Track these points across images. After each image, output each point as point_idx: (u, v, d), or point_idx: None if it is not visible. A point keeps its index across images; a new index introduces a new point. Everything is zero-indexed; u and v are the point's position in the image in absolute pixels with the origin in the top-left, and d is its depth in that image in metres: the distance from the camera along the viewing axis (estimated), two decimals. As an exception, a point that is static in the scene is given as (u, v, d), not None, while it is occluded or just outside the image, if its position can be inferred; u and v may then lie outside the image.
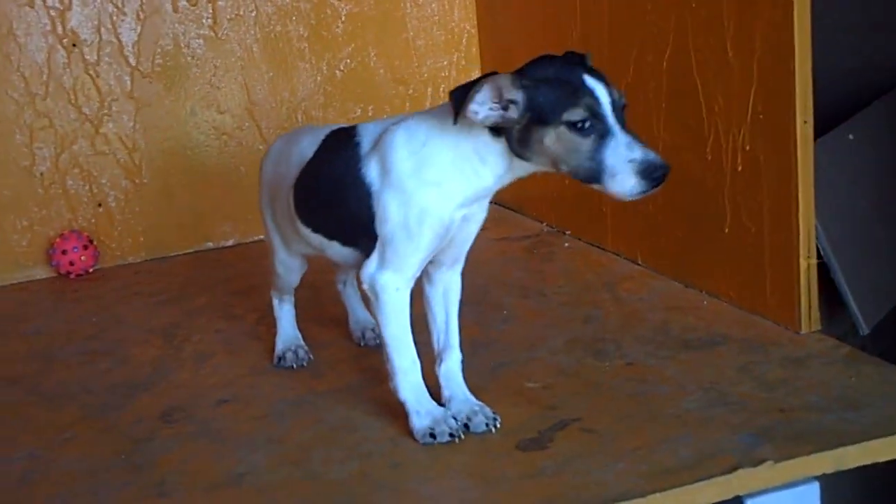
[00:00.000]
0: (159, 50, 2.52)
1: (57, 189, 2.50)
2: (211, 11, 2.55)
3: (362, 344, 1.89)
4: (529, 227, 2.51)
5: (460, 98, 1.39)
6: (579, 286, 2.11)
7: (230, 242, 2.62)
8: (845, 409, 1.51)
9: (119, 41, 2.49)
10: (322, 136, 1.66)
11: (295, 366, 1.83)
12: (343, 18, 2.65)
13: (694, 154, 1.96)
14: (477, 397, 1.57)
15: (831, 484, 1.45)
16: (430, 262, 1.56)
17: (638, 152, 1.37)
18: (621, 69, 2.08)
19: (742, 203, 1.86)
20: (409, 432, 1.52)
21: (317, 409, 1.67)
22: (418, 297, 1.59)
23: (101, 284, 2.42)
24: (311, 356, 1.85)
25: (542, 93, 1.40)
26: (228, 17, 2.56)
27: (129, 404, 1.76)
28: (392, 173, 1.49)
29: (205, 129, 2.58)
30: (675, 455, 1.42)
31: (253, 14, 2.58)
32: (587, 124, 1.38)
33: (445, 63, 2.73)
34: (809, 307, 1.76)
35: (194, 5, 2.53)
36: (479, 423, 1.52)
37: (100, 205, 2.53)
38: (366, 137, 1.56)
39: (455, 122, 1.41)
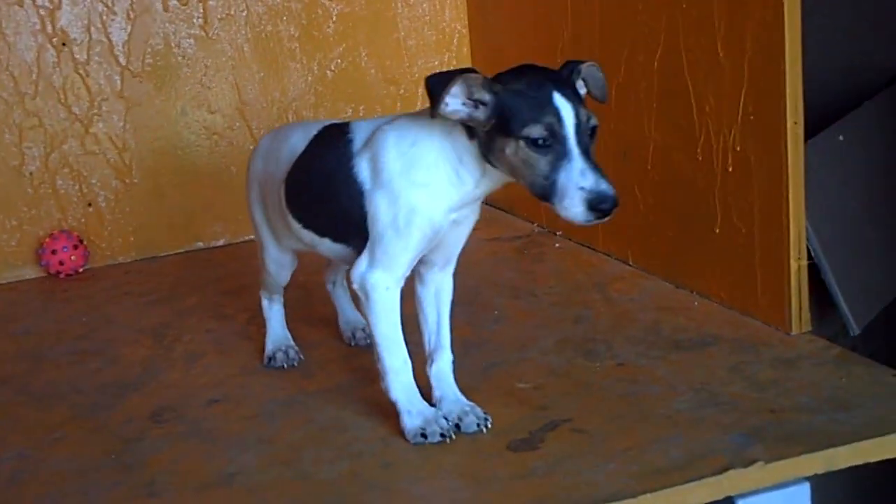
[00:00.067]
0: (150, 49, 2.52)
1: (47, 189, 2.49)
2: (202, 11, 2.54)
3: (352, 344, 1.89)
4: (520, 228, 2.51)
5: (436, 88, 1.39)
6: (570, 287, 2.11)
7: (221, 242, 2.62)
8: (836, 410, 1.51)
9: (109, 40, 2.49)
10: (314, 131, 1.66)
11: (285, 366, 1.83)
12: (334, 18, 2.65)
13: (685, 154, 1.96)
14: (468, 397, 1.57)
15: (822, 485, 1.45)
16: (422, 263, 1.56)
17: (589, 181, 1.36)
18: (612, 69, 2.08)
19: (733, 204, 1.86)
20: (400, 432, 1.52)
21: (307, 408, 1.67)
22: (410, 298, 1.59)
23: (91, 284, 2.42)
24: (302, 356, 1.85)
25: (510, 102, 1.40)
26: (219, 16, 2.56)
27: (120, 404, 1.75)
28: (382, 173, 1.49)
29: (195, 129, 2.58)
30: (666, 455, 1.42)
31: (244, 14, 2.58)
32: (545, 143, 1.38)
33: (436, 63, 2.72)
34: (800, 308, 1.76)
35: (185, 5, 2.52)
36: (470, 423, 1.52)
37: (90, 204, 2.53)
38: (358, 135, 1.56)
39: (432, 115, 1.41)
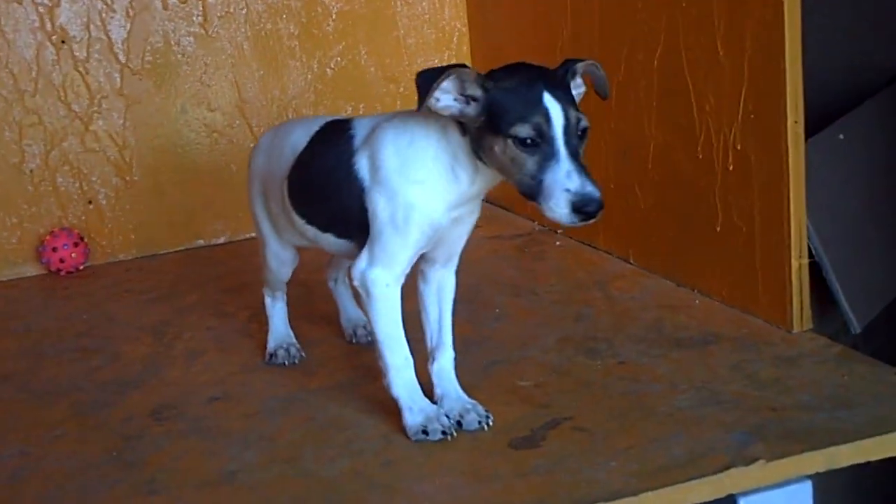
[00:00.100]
0: (149, 47, 2.52)
1: (47, 186, 2.49)
2: (201, 9, 2.54)
3: (353, 341, 1.89)
4: (521, 226, 2.51)
5: (426, 83, 1.40)
6: (571, 285, 2.11)
7: (221, 240, 2.62)
8: (837, 408, 1.51)
9: (108, 38, 2.49)
10: (316, 128, 1.66)
11: (286, 363, 1.82)
12: (334, 16, 2.65)
13: (685, 153, 1.96)
14: (469, 395, 1.57)
15: (823, 483, 1.45)
16: (425, 261, 1.57)
17: (575, 183, 1.35)
18: (612, 68, 2.08)
19: (733, 202, 1.86)
20: (402, 429, 1.52)
21: (308, 406, 1.67)
22: (412, 295, 1.59)
23: (91, 282, 2.41)
24: (303, 354, 1.84)
25: (500, 100, 1.40)
26: (219, 14, 2.56)
27: (120, 402, 1.75)
28: (381, 170, 1.50)
29: (195, 127, 2.58)
30: (668, 454, 1.42)
31: (243, 12, 2.58)
32: (533, 142, 1.37)
33: (436, 61, 2.72)
34: (801, 306, 1.76)
35: (184, 2, 2.52)
36: (471, 420, 1.52)
37: (90, 202, 2.52)
38: (360, 132, 1.57)
39: (419, 108, 1.41)
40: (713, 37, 1.84)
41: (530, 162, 1.38)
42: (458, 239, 1.57)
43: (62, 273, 2.46)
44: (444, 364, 1.58)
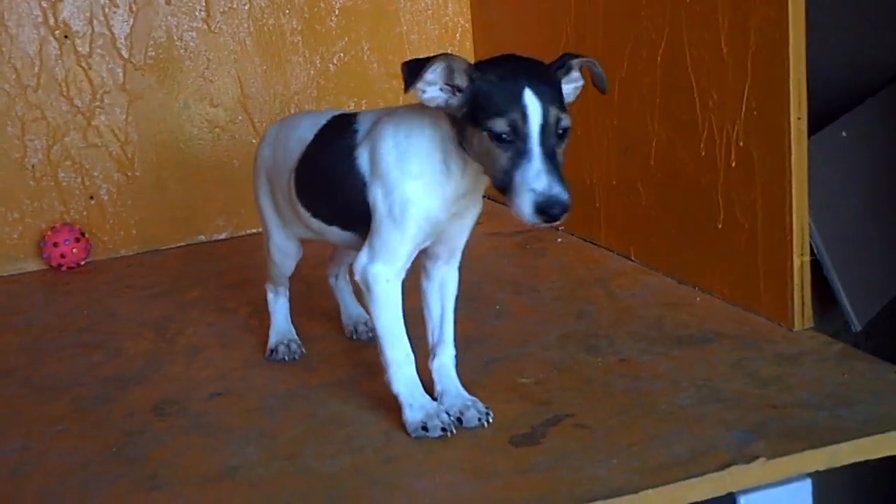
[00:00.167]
0: (152, 42, 2.52)
1: (49, 181, 2.49)
2: (204, 4, 2.54)
3: (354, 338, 1.89)
4: (522, 223, 2.49)
5: (413, 70, 1.39)
6: (572, 282, 2.11)
7: (223, 236, 2.62)
8: (838, 406, 1.51)
9: (111, 33, 2.49)
10: (322, 121, 1.67)
11: (287, 359, 1.83)
12: (336, 12, 2.65)
13: (687, 150, 1.96)
14: (470, 392, 1.57)
15: (824, 481, 1.45)
16: (427, 257, 1.56)
17: (542, 183, 1.34)
18: (615, 64, 2.08)
19: (735, 199, 1.86)
20: (402, 426, 1.52)
21: (309, 402, 1.67)
22: (414, 291, 1.59)
23: (93, 277, 2.42)
24: (304, 350, 1.84)
25: (483, 92, 1.39)
26: (221, 9, 2.56)
27: (122, 397, 1.75)
28: (379, 164, 1.50)
29: (198, 123, 2.58)
30: (668, 451, 1.42)
31: (246, 7, 2.58)
32: (507, 138, 1.37)
33: (439, 57, 2.72)
34: (802, 304, 1.76)
35: (187, -3, 2.53)
36: (471, 417, 1.52)
37: (92, 197, 2.53)
38: (363, 125, 1.57)
39: (406, 90, 1.40)
40: (717, 33, 1.84)
41: (503, 157, 1.37)
42: (460, 234, 1.57)
43: (63, 268, 2.46)
44: (445, 361, 1.58)
